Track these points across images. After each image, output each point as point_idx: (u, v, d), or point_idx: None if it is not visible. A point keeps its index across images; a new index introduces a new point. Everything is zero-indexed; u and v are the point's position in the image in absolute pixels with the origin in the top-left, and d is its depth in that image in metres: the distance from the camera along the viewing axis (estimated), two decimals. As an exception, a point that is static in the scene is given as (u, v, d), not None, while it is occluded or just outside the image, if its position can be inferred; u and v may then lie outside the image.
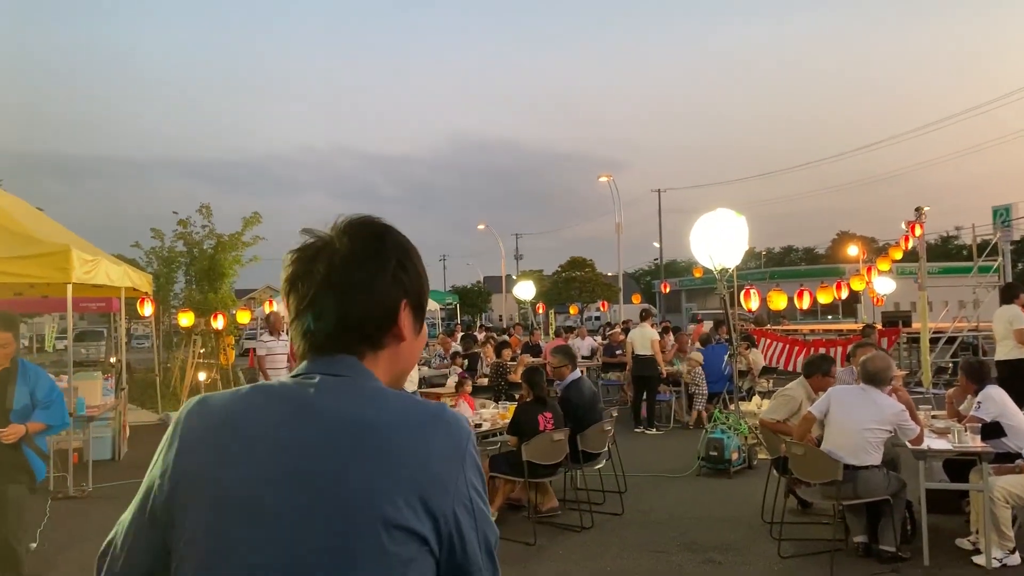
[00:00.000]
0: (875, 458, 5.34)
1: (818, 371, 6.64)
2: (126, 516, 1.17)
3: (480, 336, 18.60)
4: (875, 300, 21.69)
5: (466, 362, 12.89)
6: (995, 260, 19.18)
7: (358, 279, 1.20)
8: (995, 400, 5.76)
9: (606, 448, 7.16)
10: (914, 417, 5.46)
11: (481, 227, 57.70)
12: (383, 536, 1.05)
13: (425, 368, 14.59)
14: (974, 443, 5.50)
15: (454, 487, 1.11)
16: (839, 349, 16.40)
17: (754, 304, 9.82)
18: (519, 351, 16.30)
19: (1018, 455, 5.55)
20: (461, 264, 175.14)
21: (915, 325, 17.71)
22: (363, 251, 1.22)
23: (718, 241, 8.28)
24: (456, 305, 31.67)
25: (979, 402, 5.75)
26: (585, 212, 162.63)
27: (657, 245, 58.37)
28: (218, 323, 14.53)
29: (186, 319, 15.02)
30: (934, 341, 16.72)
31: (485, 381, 11.78)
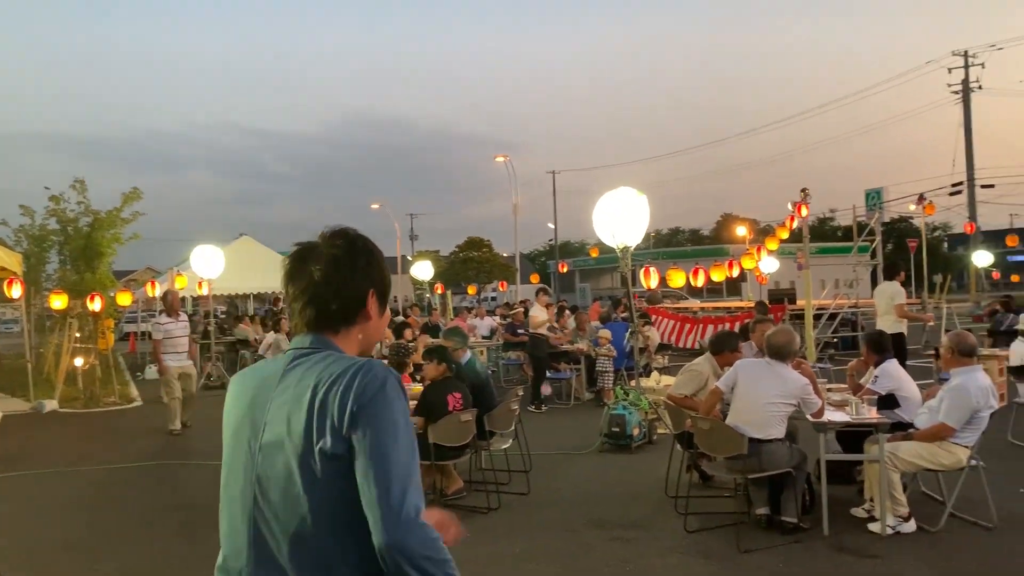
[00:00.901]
0: (779, 431, 5.44)
1: (726, 347, 6.72)
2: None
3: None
4: (760, 279, 22.55)
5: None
6: (871, 240, 20.19)
7: (337, 275, 1.71)
8: (891, 375, 5.99)
9: (513, 427, 7.07)
10: (816, 391, 5.58)
11: (375, 207, 56.75)
12: (320, 458, 1.57)
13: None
14: (870, 415, 5.69)
15: (364, 418, 1.56)
16: (726, 326, 16.96)
17: (653, 282, 9.93)
18: (418, 331, 16.09)
19: (911, 425, 5.77)
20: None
21: (799, 302, 18.45)
22: (340, 254, 1.73)
23: (620, 219, 8.29)
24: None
25: (876, 376, 5.95)
26: (482, 193, 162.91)
27: (552, 226, 58.97)
28: (95, 305, 13.63)
29: (59, 301, 14.04)
30: (817, 317, 17.45)
31: (385, 363, 11.51)
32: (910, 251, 26.54)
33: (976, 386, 5.39)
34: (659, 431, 8.97)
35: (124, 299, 15.65)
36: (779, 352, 5.57)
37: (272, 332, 15.48)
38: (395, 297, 59.47)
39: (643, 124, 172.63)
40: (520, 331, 14.95)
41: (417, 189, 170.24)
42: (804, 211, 16.21)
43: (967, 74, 39.53)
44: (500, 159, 40.99)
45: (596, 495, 6.90)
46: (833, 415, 5.69)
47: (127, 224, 14.96)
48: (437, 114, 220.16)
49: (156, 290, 17.61)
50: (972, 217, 38.63)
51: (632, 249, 8.44)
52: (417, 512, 1.52)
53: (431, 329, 15.71)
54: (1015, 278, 43.15)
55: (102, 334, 14.82)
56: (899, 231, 52.41)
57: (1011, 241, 25.75)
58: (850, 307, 19.24)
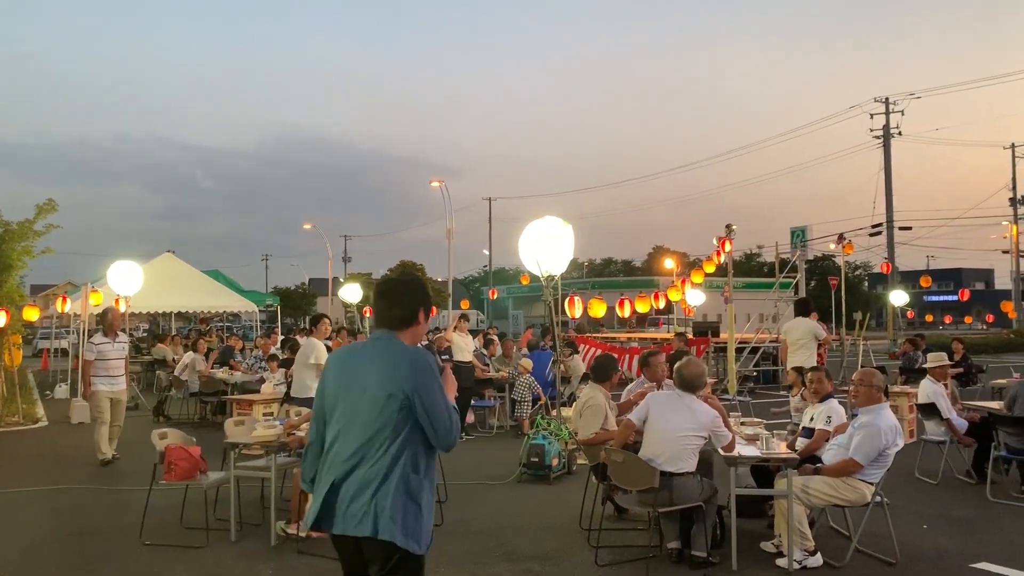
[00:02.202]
0: (691, 465, 5.44)
1: (613, 373, 6.79)
2: (311, 425, 3.15)
3: (302, 340, 17.84)
4: (686, 311, 22.93)
5: (280, 368, 12.23)
6: (794, 276, 20.75)
7: (400, 299, 3.12)
8: (840, 413, 6.21)
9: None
10: (726, 424, 5.61)
11: (307, 227, 55.99)
12: (392, 402, 2.86)
13: (237, 373, 13.78)
14: (780, 450, 5.75)
15: (422, 378, 2.91)
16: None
17: (577, 312, 9.95)
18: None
19: (819, 459, 5.85)
20: (285, 265, 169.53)
21: (723, 335, 18.79)
22: (400, 285, 3.20)
23: (545, 248, 8.29)
24: (277, 307, 30.32)
25: (829, 416, 6.16)
26: (417, 217, 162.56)
27: (486, 252, 59.03)
28: (-1, 320, 13.00)
29: (-40, 315, 13.35)
30: (739, 351, 17.79)
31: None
32: (831, 288, 27.36)
33: (886, 424, 5.49)
34: (579, 461, 8.93)
35: (30, 314, 15.00)
36: (689, 384, 5.58)
37: (191, 352, 15.01)
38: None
39: (580, 156, 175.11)
40: (444, 357, 14.82)
41: (351, 210, 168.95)
42: (728, 246, 16.59)
43: (888, 120, 41.25)
44: (436, 184, 40.97)
45: (510, 527, 6.80)
46: (744, 449, 5.72)
47: (40, 236, 14.37)
48: (374, 135, 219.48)
49: (66, 306, 16.88)
50: (890, 258, 40.08)
51: (557, 278, 8.44)
52: (446, 430, 2.95)
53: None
54: (929, 317, 44.89)
55: (8, 350, 14.15)
56: (823, 268, 54.09)
57: (925, 282, 26.69)
58: (771, 341, 19.68)
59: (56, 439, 12.15)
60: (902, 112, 41.23)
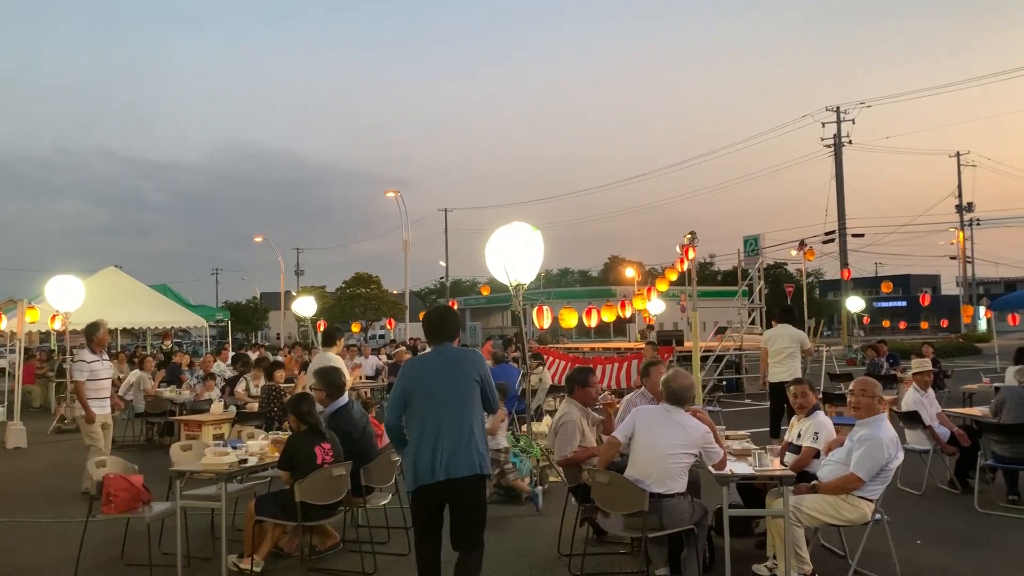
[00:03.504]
0: (681, 485, 5.04)
1: (577, 384, 6.36)
2: (390, 413, 4.62)
3: (254, 355, 17.18)
4: (647, 320, 22.74)
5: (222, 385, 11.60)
6: (749, 285, 20.63)
7: (449, 322, 4.80)
8: (829, 427, 5.86)
9: (393, 480, 6.42)
10: (717, 439, 5.23)
11: (258, 240, 54.82)
12: (473, 385, 4.53)
13: (187, 392, 13.08)
14: (774, 466, 5.38)
15: (482, 367, 4.65)
16: (614, 366, 16.80)
17: (546, 322, 9.52)
18: (297, 371, 15.15)
19: (815, 477, 5.50)
20: (236, 279, 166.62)
21: (687, 344, 18.55)
22: (449, 312, 4.94)
23: (514, 255, 7.87)
24: (228, 322, 29.41)
25: (816, 432, 5.81)
26: (371, 229, 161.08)
27: (443, 264, 58.45)
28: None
29: None
30: (703, 359, 17.56)
31: (256, 406, 10.64)
32: (787, 296, 27.44)
33: (888, 437, 5.16)
34: (551, 479, 8.50)
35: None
36: (678, 397, 5.19)
37: (136, 370, 14.26)
38: (277, 334, 57.29)
39: (534, 168, 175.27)
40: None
41: (304, 223, 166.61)
42: (692, 253, 16.34)
43: (839, 129, 41.76)
44: (391, 194, 40.38)
45: (486, 550, 6.32)
46: (735, 466, 5.34)
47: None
48: (326, 148, 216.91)
49: (2, 323, 15.96)
50: (844, 264, 40.52)
51: (525, 287, 8.02)
52: (495, 399, 4.72)
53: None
54: (885, 323, 45.53)
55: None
56: (775, 276, 54.61)
57: (886, 287, 26.86)
58: (735, 349, 19.52)
59: (-13, 466, 11.34)
60: (853, 121, 41.82)
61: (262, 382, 11.68)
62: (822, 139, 42.03)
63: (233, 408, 11.18)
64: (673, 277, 17.20)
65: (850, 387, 5.57)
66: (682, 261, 16.19)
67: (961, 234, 51.05)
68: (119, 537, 6.32)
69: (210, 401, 11.56)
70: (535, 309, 9.58)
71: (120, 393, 13.64)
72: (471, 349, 5.10)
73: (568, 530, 6.14)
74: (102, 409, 8.79)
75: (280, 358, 19.44)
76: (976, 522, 6.87)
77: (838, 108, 41.84)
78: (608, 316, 17.55)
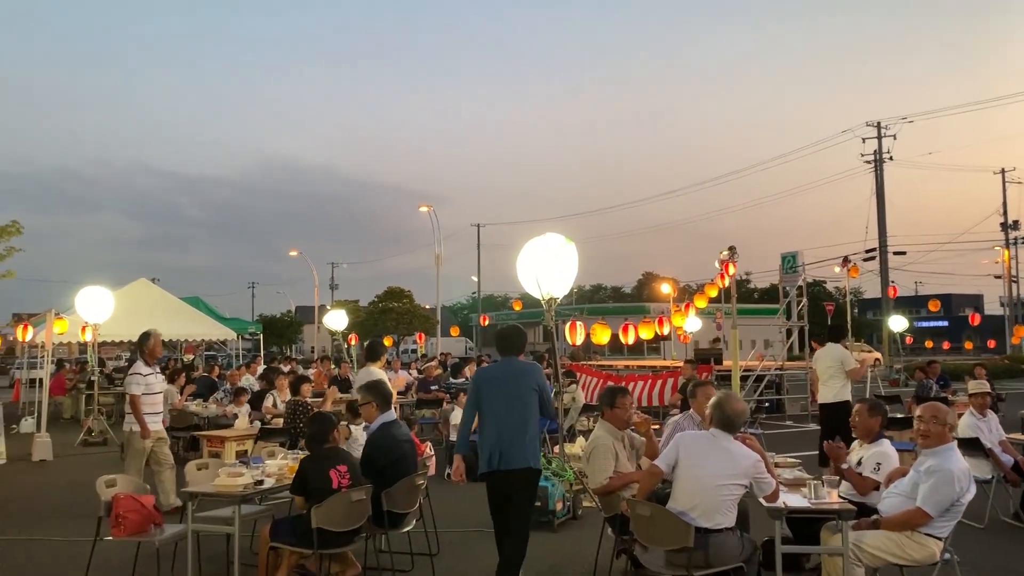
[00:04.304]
0: (730, 519, 4.60)
1: (606, 405, 5.91)
2: (466, 412, 5.62)
3: (285, 369, 16.97)
4: (683, 338, 22.17)
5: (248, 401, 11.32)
6: (798, 302, 19.99)
7: (517, 338, 5.73)
8: (892, 457, 5.38)
9: (417, 506, 6.04)
10: (768, 468, 4.78)
11: (293, 254, 55.05)
12: (532, 393, 5.35)
13: (213, 406, 12.85)
14: (831, 498, 4.91)
15: (541, 378, 5.47)
16: (647, 383, 16.30)
17: (579, 338, 9.12)
18: (326, 385, 14.88)
19: (874, 510, 5.02)
20: (271, 293, 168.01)
21: (726, 363, 17.99)
22: (517, 330, 5.79)
23: (546, 268, 7.48)
24: (260, 335, 29.33)
25: (879, 463, 5.33)
26: (404, 244, 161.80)
27: (475, 279, 58.24)
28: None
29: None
30: (743, 379, 17.00)
31: (281, 422, 10.34)
32: (827, 314, 26.66)
33: (959, 469, 4.68)
34: (584, 504, 8.07)
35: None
36: (730, 423, 4.75)
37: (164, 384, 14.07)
38: (311, 348, 57.41)
39: (567, 183, 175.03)
40: (434, 387, 13.96)
41: (338, 238, 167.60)
42: (732, 269, 15.86)
43: (880, 144, 40.87)
44: (424, 209, 40.27)
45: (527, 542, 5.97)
46: (788, 498, 4.88)
47: (1, 260, 13.49)
48: (361, 163, 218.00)
49: (28, 334, 15.92)
50: (885, 282, 39.56)
51: (558, 301, 7.62)
52: (552, 405, 5.72)
53: (340, 382, 14.58)
54: (929, 344, 44.32)
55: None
56: (812, 294, 53.54)
57: (933, 306, 26.02)
58: (776, 369, 18.90)
59: (11, 478, 11.18)
60: (894, 136, 40.90)
61: (287, 397, 11.43)
62: (862, 155, 41.18)
63: (258, 424, 10.91)
64: (713, 293, 16.69)
65: (918, 412, 5.08)
66: (722, 277, 15.73)
67: (1007, 252, 49.63)
68: (129, 559, 6.01)
69: (235, 416, 11.31)
70: (568, 325, 9.19)
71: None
72: (532, 363, 5.94)
73: (604, 560, 5.73)
74: (155, 424, 8.39)
75: (311, 372, 19.27)
76: (1050, 562, 6.32)
77: (879, 123, 40.98)
78: (646, 333, 17.05)
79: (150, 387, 8.27)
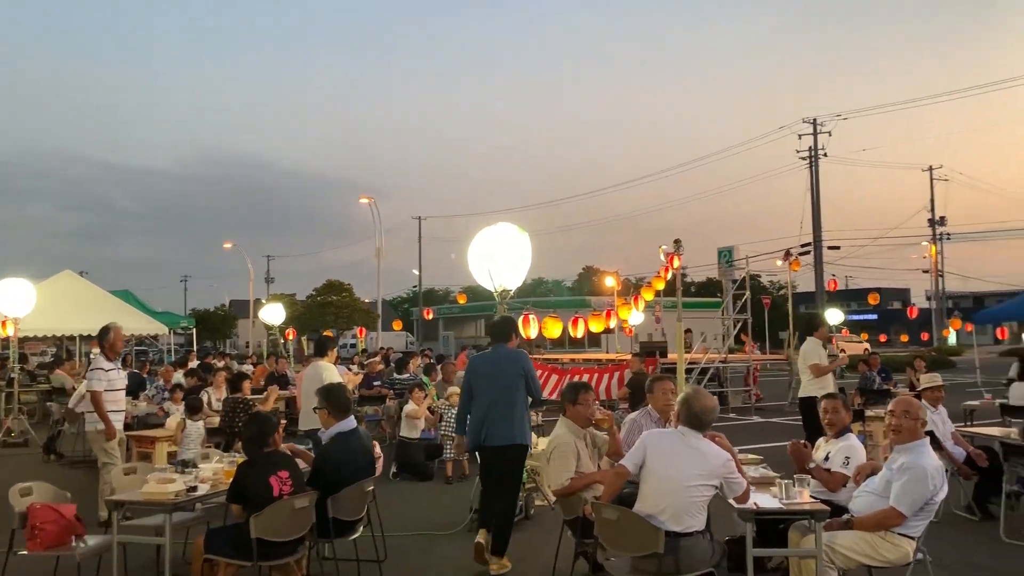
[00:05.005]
0: (700, 521, 4.36)
1: (567, 402, 5.67)
2: (463, 396, 6.39)
3: (219, 364, 16.31)
4: (627, 331, 22.12)
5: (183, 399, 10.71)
6: (740, 296, 20.12)
7: (507, 327, 6.46)
8: (859, 451, 5.22)
9: (364, 513, 5.67)
10: (739, 468, 4.56)
11: (228, 246, 53.60)
12: (519, 380, 6.05)
13: (143, 404, 12.21)
14: (803, 498, 4.72)
15: (527, 363, 6.18)
16: (594, 378, 16.13)
17: (532, 331, 8.83)
18: (262, 383, 14.33)
19: (844, 507, 4.85)
20: (206, 287, 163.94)
21: (671, 356, 17.95)
22: (508, 320, 6.65)
23: (500, 258, 7.18)
24: (193, 330, 28.38)
25: (847, 457, 5.15)
26: (344, 237, 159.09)
27: (417, 272, 57.61)
28: None
29: None
30: (688, 372, 16.97)
31: (216, 422, 9.82)
32: (764, 308, 27.01)
33: (933, 466, 4.53)
34: (536, 503, 7.80)
35: None
36: (699, 421, 4.52)
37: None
38: (246, 343, 56.05)
39: (507, 178, 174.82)
40: (376, 383, 13.54)
41: (276, 231, 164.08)
42: (676, 262, 15.78)
43: (815, 141, 41.56)
44: (364, 201, 39.59)
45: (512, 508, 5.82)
46: (758, 498, 4.67)
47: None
48: (298, 155, 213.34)
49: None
50: (819, 277, 40.31)
51: (512, 293, 7.33)
52: (538, 389, 6.29)
53: (277, 379, 14.04)
54: (865, 336, 45.39)
55: None
56: (750, 288, 54.33)
57: (873, 299, 26.57)
58: (720, 362, 18.96)
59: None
60: (829, 133, 41.61)
61: (224, 394, 10.89)
62: (798, 151, 41.84)
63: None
64: (660, 286, 16.61)
65: (889, 407, 4.93)
66: (667, 269, 15.64)
67: (933, 248, 51.16)
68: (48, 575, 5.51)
69: (166, 415, 10.72)
70: (520, 318, 8.90)
71: (70, 405, 12.72)
72: (520, 350, 6.45)
73: (561, 564, 5.47)
74: (118, 423, 7.84)
75: (247, 367, 18.60)
76: (1008, 554, 6.28)
77: (815, 120, 41.66)
78: (596, 326, 16.92)
79: (112, 383, 7.74)
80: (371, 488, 5.65)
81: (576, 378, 15.62)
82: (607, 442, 5.74)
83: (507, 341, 6.27)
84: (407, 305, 74.66)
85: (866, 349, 36.61)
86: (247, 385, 10.51)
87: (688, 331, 23.65)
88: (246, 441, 5.08)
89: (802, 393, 9.33)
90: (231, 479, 5.00)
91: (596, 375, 16.43)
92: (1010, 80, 79.58)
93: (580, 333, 16.13)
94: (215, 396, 11.09)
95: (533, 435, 9.92)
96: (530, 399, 6.22)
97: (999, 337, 25.70)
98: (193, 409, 9.11)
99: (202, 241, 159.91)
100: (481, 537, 6.09)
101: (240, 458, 5.81)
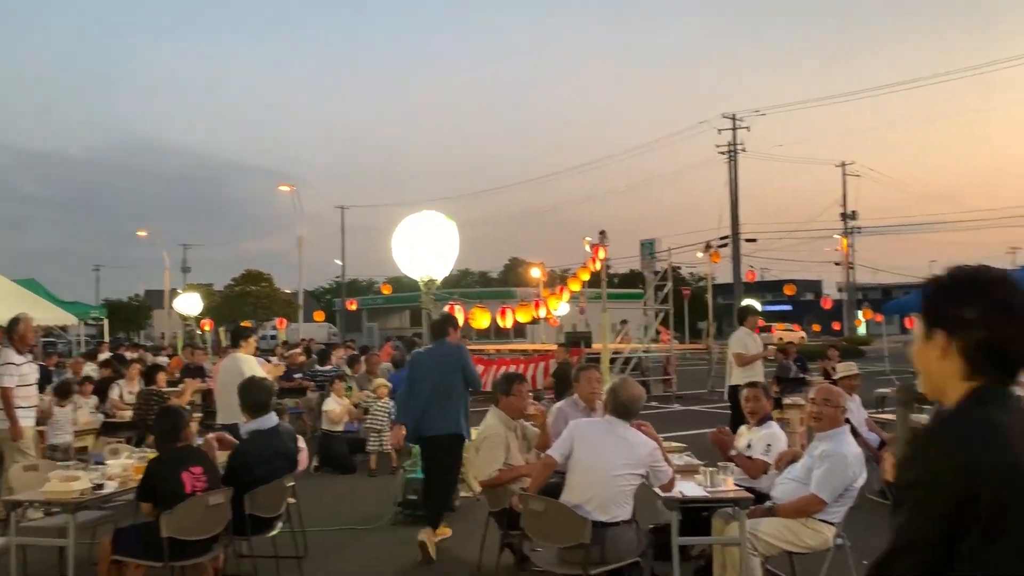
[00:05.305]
0: (627, 511, 4.34)
1: (501, 393, 5.64)
2: (404, 387, 6.69)
3: (132, 356, 15.69)
4: (551, 322, 22.24)
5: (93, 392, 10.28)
6: (663, 286, 20.44)
7: (446, 324, 6.76)
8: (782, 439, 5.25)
9: (283, 509, 5.47)
10: (665, 456, 4.57)
11: (142, 234, 51.72)
12: (457, 373, 6.34)
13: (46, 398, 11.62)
14: (727, 486, 4.75)
15: (464, 358, 6.51)
16: (520, 368, 16.15)
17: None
18: (178, 375, 13.86)
19: (766, 495, 4.91)
20: (119, 276, 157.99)
21: (595, 346, 18.10)
22: (441, 318, 7.17)
23: (426, 247, 7.05)
24: (105, 320, 27.24)
25: (769, 444, 5.20)
26: (265, 227, 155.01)
27: (339, 263, 56.72)
28: None
29: None
30: (612, 361, 17.14)
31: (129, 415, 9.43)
32: (684, 299, 27.55)
33: (853, 453, 4.62)
34: (461, 494, 7.72)
35: None
36: (626, 410, 4.50)
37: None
38: (162, 334, 54.30)
39: (433, 169, 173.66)
40: (297, 375, 13.23)
41: (194, 220, 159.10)
42: (602, 253, 15.94)
43: (735, 136, 42.53)
44: (285, 188, 38.74)
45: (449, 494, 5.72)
46: (684, 486, 4.69)
47: None
48: (216, 142, 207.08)
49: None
50: (737, 269, 41.32)
51: (438, 283, 7.22)
52: (477, 381, 6.79)
53: (193, 371, 13.58)
54: (780, 325, 46.79)
55: None
56: (671, 279, 55.31)
57: (789, 290, 27.31)
58: (644, 351, 19.21)
59: None
60: (748, 128, 42.63)
61: (136, 387, 10.46)
62: (718, 146, 42.72)
63: (100, 416, 9.91)
64: (586, 277, 16.74)
65: (811, 395, 5.01)
66: (592, 260, 15.77)
67: (845, 241, 53.02)
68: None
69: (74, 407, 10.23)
70: (445, 308, 8.79)
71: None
72: (459, 345, 6.77)
73: (487, 558, 5.40)
74: (28, 420, 7.28)
75: (163, 359, 17.94)
76: (918, 537, 6.48)
77: (734, 116, 42.60)
78: (523, 317, 16.97)
79: (24, 378, 7.23)
80: (291, 484, 5.46)
81: (503, 368, 15.60)
82: (538, 435, 5.70)
83: (446, 336, 6.54)
84: (330, 296, 73.47)
85: (802, 338, 37.89)
86: (162, 377, 10.13)
87: (624, 322, 24.02)
88: (157, 436, 4.83)
89: (732, 382, 9.51)
90: (141, 476, 4.76)
91: (522, 365, 16.46)
92: (920, 80, 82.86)
93: (509, 323, 16.09)
94: (127, 389, 10.64)
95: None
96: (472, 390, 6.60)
97: (906, 327, 26.79)
98: (63, 394, 8.77)
99: (116, 230, 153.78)
100: (424, 536, 5.91)
101: (152, 454, 5.55)
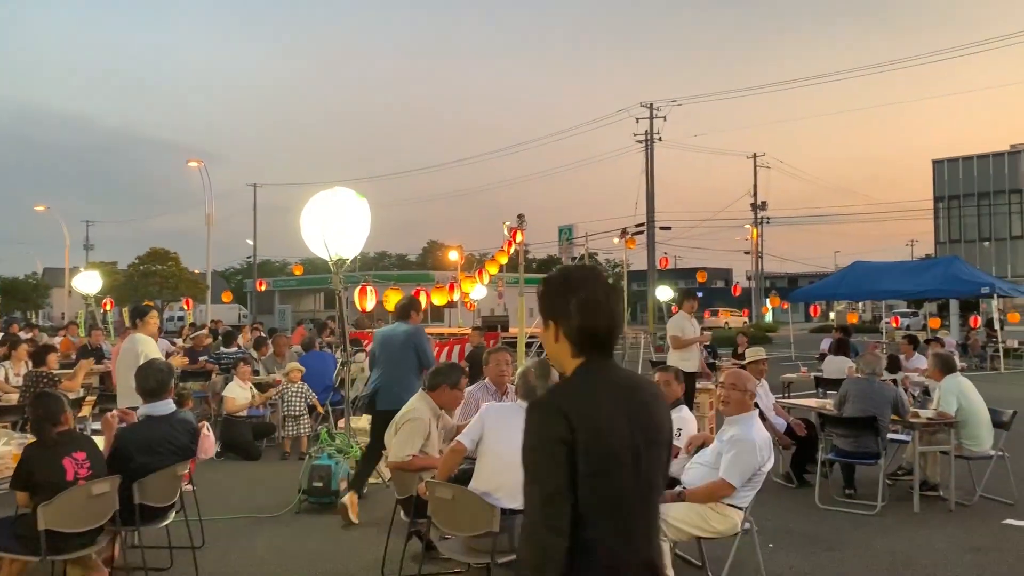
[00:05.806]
0: (537, 498, 4.25)
1: (445, 382, 5.44)
2: (370, 364, 7.38)
3: (25, 336, 14.85)
4: (469, 306, 22.13)
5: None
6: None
7: (408, 307, 7.38)
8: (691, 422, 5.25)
9: (177, 498, 5.18)
10: (576, 442, 4.48)
11: (40, 209, 49.14)
12: (410, 350, 6.94)
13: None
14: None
15: (419, 338, 7.04)
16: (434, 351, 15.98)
17: (370, 304, 8.50)
18: (74, 356, 13.18)
19: (677, 481, 4.90)
20: (15, 252, 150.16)
21: (512, 330, 18.02)
22: (404, 300, 7.68)
23: (336, 226, 6.78)
24: (-3, 299, 25.80)
25: (679, 428, 5.16)
26: (172, 203, 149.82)
27: (251, 242, 55.18)
28: None
29: None
30: (528, 346, 17.11)
31: (15, 399, 8.86)
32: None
33: (761, 438, 4.64)
34: (370, 482, 7.51)
35: None
36: (536, 393, 4.39)
37: None
38: (62, 313, 51.86)
39: (349, 147, 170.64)
40: (202, 357, 12.73)
41: (96, 194, 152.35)
42: (520, 236, 15.82)
43: (651, 125, 43.05)
44: (193, 164, 37.34)
45: (291, 573, 5.35)
46: (594, 472, 4.62)
47: None
48: (119, 114, 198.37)
49: None
50: (652, 256, 41.95)
51: (348, 263, 6.97)
52: (429, 359, 6.93)
53: (92, 352, 12.93)
54: (746, 312, 47.99)
55: None
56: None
57: (701, 277, 27.89)
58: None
59: None
60: (664, 118, 43.21)
61: (23, 369, 9.86)
62: (635, 135, 43.18)
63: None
64: (504, 260, 16.62)
65: (720, 379, 5.02)
66: (510, 244, 15.64)
67: (755, 230, 54.51)
68: None
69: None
70: (358, 290, 8.54)
71: None
72: (416, 326, 7.23)
73: (393, 547, 5.24)
74: None
75: (56, 340, 17.04)
76: (821, 520, 6.63)
77: (651, 105, 43.10)
78: (439, 300, 16.76)
79: None
80: (185, 471, 5.16)
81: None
82: (456, 428, 5.56)
83: (407, 318, 7.12)
84: (241, 277, 71.48)
85: (745, 323, 38.98)
86: (53, 358, 9.57)
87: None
88: (34, 421, 4.48)
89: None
90: (16, 463, 4.40)
91: (437, 348, 16.26)
92: (828, 75, 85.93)
93: (423, 305, 15.86)
94: (13, 371, 10.02)
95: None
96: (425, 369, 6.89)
97: (811, 315, 27.78)
98: None
99: (11, 203, 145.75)
100: (348, 499, 6.42)
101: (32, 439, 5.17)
